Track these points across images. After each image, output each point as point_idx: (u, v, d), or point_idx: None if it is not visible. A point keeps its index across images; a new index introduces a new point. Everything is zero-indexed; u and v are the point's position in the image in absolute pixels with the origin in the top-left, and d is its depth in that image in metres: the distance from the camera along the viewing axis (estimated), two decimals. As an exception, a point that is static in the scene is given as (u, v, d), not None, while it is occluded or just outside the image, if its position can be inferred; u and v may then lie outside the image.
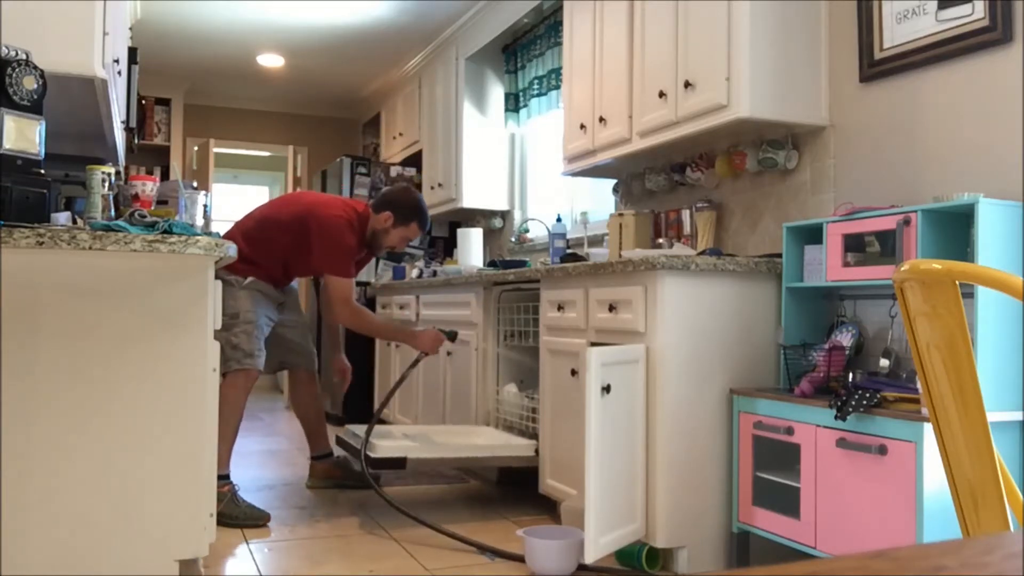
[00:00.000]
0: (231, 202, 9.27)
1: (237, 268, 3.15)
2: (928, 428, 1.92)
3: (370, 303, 5.58)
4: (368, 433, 3.15)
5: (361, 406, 5.44)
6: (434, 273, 4.73)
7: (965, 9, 2.39)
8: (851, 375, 2.31)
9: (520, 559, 2.60)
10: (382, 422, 5.39)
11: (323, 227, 3.32)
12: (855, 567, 0.41)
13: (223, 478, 3.06)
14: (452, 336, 3.53)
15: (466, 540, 2.79)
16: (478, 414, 3.74)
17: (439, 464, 3.29)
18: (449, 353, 4.05)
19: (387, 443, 3.21)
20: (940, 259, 1.99)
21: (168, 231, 2.10)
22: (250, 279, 3.28)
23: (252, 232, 3.38)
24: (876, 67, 2.68)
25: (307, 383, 3.66)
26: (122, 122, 3.50)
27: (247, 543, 2.83)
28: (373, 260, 5.81)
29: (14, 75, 2.05)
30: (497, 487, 3.74)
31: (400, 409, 4.80)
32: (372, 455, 3.07)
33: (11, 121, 2.04)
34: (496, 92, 5.41)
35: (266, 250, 3.32)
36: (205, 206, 3.38)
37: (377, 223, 3.42)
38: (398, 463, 3.07)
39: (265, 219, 3.45)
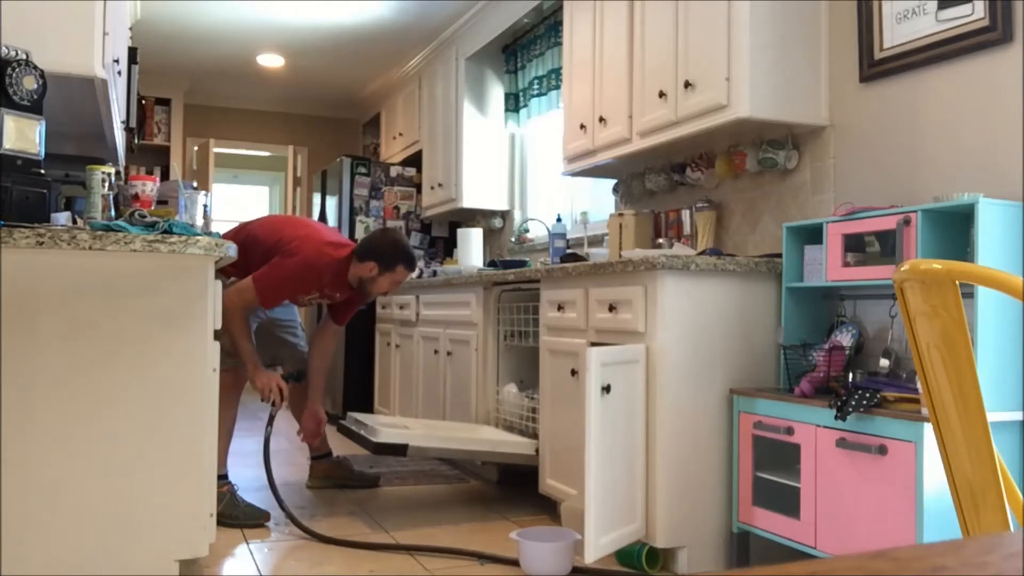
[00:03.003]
0: (231, 202, 9.28)
1: (226, 270, 3.11)
2: (928, 428, 1.92)
3: (370, 303, 5.58)
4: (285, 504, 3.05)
5: (362, 406, 5.44)
6: (434, 273, 4.73)
7: (965, 9, 2.39)
8: (851, 375, 2.31)
9: (511, 562, 2.58)
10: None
11: (293, 259, 3.23)
12: (855, 567, 0.41)
13: (221, 478, 3.07)
14: (296, 377, 3.45)
15: (448, 549, 2.78)
16: (478, 414, 3.74)
17: (439, 454, 3.29)
18: (449, 353, 4.05)
19: (390, 430, 3.22)
20: (940, 259, 1.99)
21: (168, 231, 2.10)
22: (233, 279, 3.26)
23: (243, 247, 3.32)
24: (876, 67, 2.68)
25: (306, 385, 3.65)
26: (122, 122, 3.50)
27: (247, 543, 2.83)
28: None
29: (14, 75, 2.05)
30: (497, 487, 3.74)
31: (400, 409, 4.80)
32: (375, 440, 3.08)
33: (11, 121, 2.05)
34: (496, 92, 5.41)
35: (244, 268, 3.23)
36: (205, 206, 3.38)
37: (363, 272, 3.29)
38: (399, 449, 3.08)
39: (255, 239, 3.35)
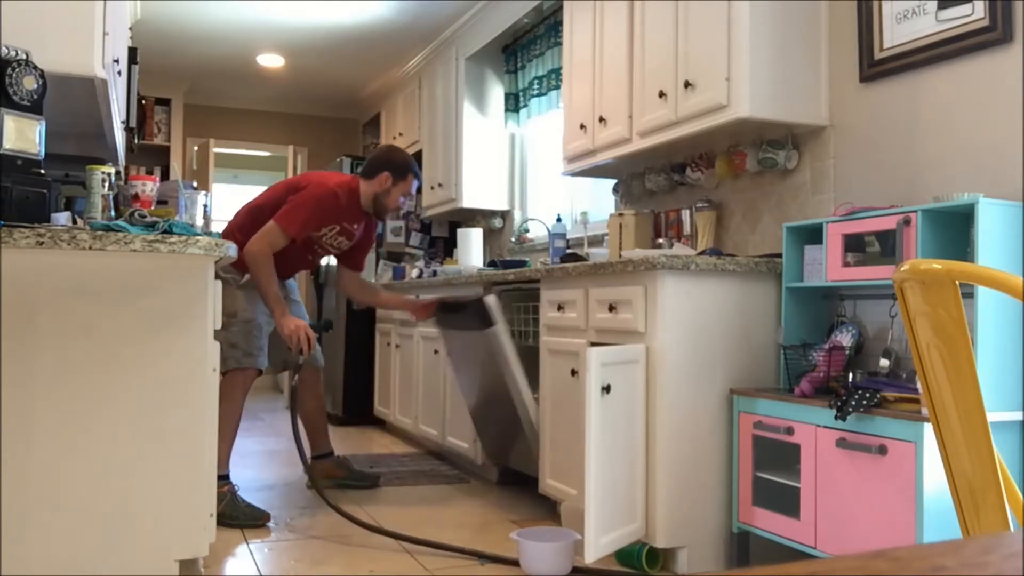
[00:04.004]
0: (231, 202, 9.28)
1: (235, 264, 3.14)
2: (928, 428, 1.92)
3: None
4: (304, 459, 3.14)
5: (362, 405, 5.45)
6: (434, 273, 4.73)
7: (965, 9, 2.39)
8: (851, 375, 2.31)
9: (511, 562, 2.58)
10: (380, 422, 5.40)
11: (306, 189, 3.33)
12: (855, 567, 0.41)
13: (223, 478, 3.06)
14: (325, 327, 3.47)
15: (449, 547, 2.78)
16: (478, 414, 3.74)
17: (507, 360, 3.22)
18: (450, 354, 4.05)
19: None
20: (940, 259, 1.99)
21: (168, 231, 2.10)
22: (247, 276, 3.27)
23: (247, 223, 3.36)
24: (876, 67, 2.68)
25: (312, 381, 3.64)
26: (122, 122, 3.50)
27: (247, 543, 2.83)
28: (373, 261, 5.82)
29: (14, 75, 2.05)
30: (497, 487, 3.74)
31: (400, 410, 4.80)
32: (482, 295, 3.25)
33: (11, 121, 2.05)
34: (496, 92, 5.41)
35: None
36: (205, 206, 3.38)
37: (377, 186, 3.40)
38: (488, 321, 3.19)
39: (258, 207, 3.42)
